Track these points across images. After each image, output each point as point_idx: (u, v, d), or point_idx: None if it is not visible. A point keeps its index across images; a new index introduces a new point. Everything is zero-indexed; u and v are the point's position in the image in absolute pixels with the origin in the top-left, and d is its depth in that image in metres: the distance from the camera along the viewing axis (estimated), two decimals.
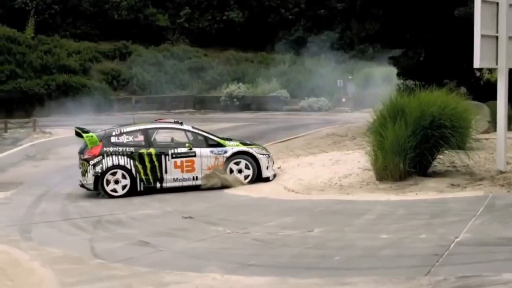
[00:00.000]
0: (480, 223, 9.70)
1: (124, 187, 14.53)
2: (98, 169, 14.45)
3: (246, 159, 15.21)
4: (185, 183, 14.91)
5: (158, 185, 14.77)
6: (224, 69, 46.41)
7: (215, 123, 30.64)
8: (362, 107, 32.89)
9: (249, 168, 15.19)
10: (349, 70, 43.69)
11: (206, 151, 15.06)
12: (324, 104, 40.90)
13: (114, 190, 14.51)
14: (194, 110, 43.21)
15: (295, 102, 41.90)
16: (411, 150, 13.58)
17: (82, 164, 14.68)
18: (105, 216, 12.47)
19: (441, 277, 7.06)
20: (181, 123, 15.59)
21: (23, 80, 40.33)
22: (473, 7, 13.61)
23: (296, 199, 13.29)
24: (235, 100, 42.39)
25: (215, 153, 15.08)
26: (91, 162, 14.48)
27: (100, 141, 14.62)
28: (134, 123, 15.43)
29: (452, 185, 13.06)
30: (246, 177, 15.17)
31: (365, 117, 15.59)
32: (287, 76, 44.56)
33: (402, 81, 25.79)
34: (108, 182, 14.47)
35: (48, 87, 40.60)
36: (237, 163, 15.19)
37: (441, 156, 14.41)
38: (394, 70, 27.58)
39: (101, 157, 14.48)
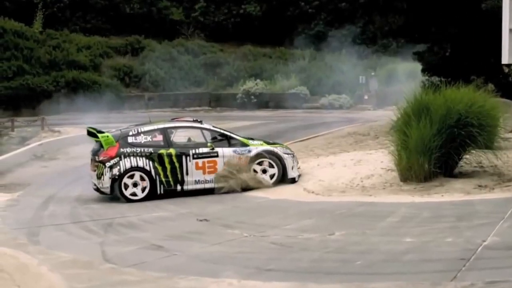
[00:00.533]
0: (509, 226, 9.65)
1: (143, 190, 13.93)
2: (115, 171, 13.83)
3: (271, 159, 14.65)
4: (207, 185, 14.31)
5: (178, 187, 14.17)
6: (241, 65, 46.14)
7: (231, 122, 30.53)
8: (385, 105, 32.62)
9: (274, 168, 14.63)
10: (371, 66, 43.39)
11: (229, 150, 14.49)
12: (345, 102, 40.60)
13: (133, 194, 13.88)
14: (210, 108, 42.98)
15: (315, 99, 41.62)
16: (437, 150, 13.44)
17: (97, 166, 14.06)
18: (116, 219, 12.38)
19: (468, 282, 7.02)
20: (201, 122, 15.09)
21: (30, 76, 40.10)
22: (501, 0, 13.34)
23: (316, 201, 13.22)
24: (252, 97, 42.13)
25: (239, 153, 14.50)
26: (108, 164, 13.87)
27: (117, 141, 14.02)
28: (150, 122, 14.92)
29: (479, 186, 12.96)
30: (271, 177, 14.61)
31: (388, 115, 15.48)
32: (306, 72, 44.27)
33: (427, 77, 25.63)
34: (126, 186, 13.87)
35: (56, 83, 40.25)
36: (261, 163, 14.63)
37: (467, 156, 14.30)
38: (418, 66, 27.38)
39: (118, 158, 13.87)
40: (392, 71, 40.11)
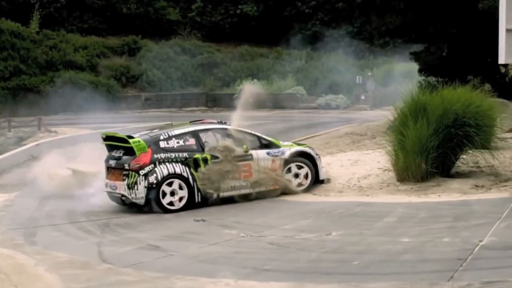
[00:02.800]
0: (506, 226, 9.65)
1: (180, 199, 12.64)
2: (152, 179, 12.41)
3: (303, 161, 13.77)
4: (243, 191, 13.18)
5: (215, 195, 13.00)
6: (237, 65, 46.07)
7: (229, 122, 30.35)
8: (382, 105, 32.64)
9: (307, 173, 13.78)
10: (368, 66, 43.37)
11: (262, 153, 13.42)
12: (342, 102, 40.58)
13: (171, 203, 12.54)
14: (207, 108, 42.89)
15: (312, 99, 41.59)
16: (433, 150, 13.42)
17: (126, 175, 12.57)
18: (113, 219, 12.33)
19: (464, 282, 7.03)
20: (225, 123, 14.07)
21: (27, 76, 39.93)
22: (497, 0, 13.32)
23: (313, 201, 13.17)
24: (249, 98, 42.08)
25: (272, 155, 13.48)
26: (142, 172, 12.44)
27: (148, 147, 12.71)
28: (172, 125, 13.77)
29: (476, 186, 12.95)
30: (302, 183, 13.75)
31: (385, 115, 15.48)
32: (303, 72, 44.25)
33: (424, 77, 25.60)
34: (164, 194, 12.51)
35: (53, 84, 40.16)
36: (295, 167, 13.72)
37: (464, 156, 14.29)
38: (415, 66, 27.34)
39: (152, 165, 12.51)
40: (389, 71, 40.10)
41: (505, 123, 16.27)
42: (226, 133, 13.58)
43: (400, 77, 35.41)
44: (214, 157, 12.92)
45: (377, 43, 39.12)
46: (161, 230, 11.05)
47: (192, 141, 13.07)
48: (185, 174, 12.68)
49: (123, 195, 12.70)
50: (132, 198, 12.57)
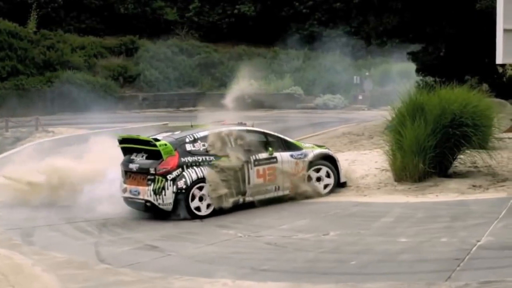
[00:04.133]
0: (503, 226, 9.65)
1: (208, 205, 12.01)
2: (181, 184, 11.75)
3: (325, 164, 13.31)
4: (268, 195, 12.66)
5: (241, 199, 12.37)
6: (235, 65, 46.10)
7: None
8: (380, 105, 32.60)
9: (329, 176, 13.30)
10: (366, 66, 43.44)
11: (286, 155, 12.89)
12: (339, 102, 40.62)
13: (198, 209, 11.90)
14: (204, 108, 42.86)
15: (310, 99, 41.63)
16: (431, 150, 13.41)
17: (152, 180, 11.84)
18: (110, 219, 12.21)
19: (462, 282, 7.04)
20: (245, 124, 13.47)
21: (24, 76, 39.99)
22: (495, 0, 13.31)
23: (311, 201, 13.08)
24: (246, 97, 42.04)
25: (295, 158, 12.96)
26: (170, 177, 11.74)
27: (175, 150, 12.04)
28: (192, 127, 13.07)
29: (473, 186, 12.95)
30: (325, 186, 13.28)
31: (382, 115, 15.43)
32: (301, 72, 44.30)
33: (421, 77, 25.62)
34: (193, 199, 11.91)
35: (50, 84, 40.13)
36: (318, 170, 13.22)
37: (462, 156, 14.29)
38: (413, 66, 27.36)
39: (180, 169, 11.84)
40: (387, 71, 40.13)
41: (503, 123, 16.28)
42: (250, 135, 13.04)
43: (397, 77, 35.42)
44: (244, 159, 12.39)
45: (375, 43, 39.15)
46: (158, 230, 11.02)
47: (218, 143, 12.43)
48: (213, 178, 12.06)
49: (148, 201, 11.87)
50: (159, 204, 11.79)
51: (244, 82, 16.38)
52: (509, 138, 17.37)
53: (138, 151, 12.35)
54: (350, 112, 37.92)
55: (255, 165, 12.50)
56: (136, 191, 12.06)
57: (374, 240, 9.43)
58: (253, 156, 12.53)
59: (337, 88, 41.04)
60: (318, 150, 13.49)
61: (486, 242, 8.67)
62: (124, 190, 12.24)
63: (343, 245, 9.30)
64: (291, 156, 12.95)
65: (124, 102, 41.52)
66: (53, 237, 11.00)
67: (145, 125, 28.24)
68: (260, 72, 41.81)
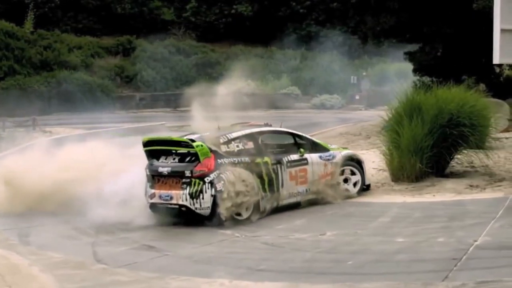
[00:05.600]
0: (500, 226, 9.66)
1: (247, 208, 11.40)
2: (219, 186, 11.08)
3: (353, 165, 12.95)
4: (299, 199, 12.18)
5: (275, 203, 11.79)
6: (232, 65, 46.07)
7: (225, 122, 30.29)
8: (377, 105, 32.68)
9: (356, 175, 12.94)
10: (363, 66, 43.48)
11: (315, 157, 12.44)
12: (337, 102, 40.63)
13: (238, 213, 11.25)
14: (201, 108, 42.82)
15: (307, 99, 41.61)
16: (428, 149, 13.41)
17: (188, 183, 11.13)
18: (107, 219, 11.94)
19: (459, 282, 7.03)
20: (271, 125, 13.03)
21: (21, 76, 39.89)
22: (492, 0, 13.31)
23: None
24: (243, 97, 42.02)
25: (324, 159, 12.53)
26: (207, 179, 11.04)
27: (211, 151, 11.40)
28: (219, 128, 12.29)
29: (470, 186, 12.96)
30: (354, 185, 12.95)
31: (380, 115, 15.42)
32: (298, 72, 44.28)
33: (418, 77, 25.59)
34: None
35: (48, 84, 40.03)
36: (344, 171, 12.86)
37: (459, 156, 14.30)
38: (410, 66, 27.35)
39: (218, 171, 11.17)
40: (384, 71, 40.16)
41: (500, 123, 16.29)
42: (280, 135, 12.76)
43: (394, 77, 35.45)
44: (277, 161, 11.88)
45: (372, 43, 39.20)
46: (155, 230, 10.98)
47: (250, 144, 11.85)
48: (250, 180, 11.44)
49: (183, 206, 11.14)
50: (196, 208, 11.06)
51: (239, 82, 15.81)
52: (506, 138, 17.43)
53: (166, 153, 11.58)
54: (347, 112, 37.92)
55: (287, 167, 12.03)
56: (168, 196, 11.25)
57: (371, 240, 9.43)
58: (286, 158, 12.07)
59: (334, 88, 41.05)
60: (345, 152, 13.18)
61: (483, 242, 8.67)
62: (152, 196, 11.37)
63: (340, 245, 9.28)
64: (320, 157, 12.52)
65: (121, 102, 41.45)
66: (49, 237, 10.95)
67: (142, 125, 28.29)
68: (257, 72, 41.85)
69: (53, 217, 11.97)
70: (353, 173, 12.90)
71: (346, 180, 12.87)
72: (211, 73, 45.08)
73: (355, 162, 13.01)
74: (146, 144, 11.76)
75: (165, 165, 11.39)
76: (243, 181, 11.25)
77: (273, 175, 11.77)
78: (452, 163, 14.33)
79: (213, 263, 8.64)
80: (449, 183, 13.19)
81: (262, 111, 39.19)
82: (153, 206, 11.44)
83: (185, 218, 11.26)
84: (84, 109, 33.51)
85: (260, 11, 47.91)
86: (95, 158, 12.82)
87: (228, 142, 11.61)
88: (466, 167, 14.43)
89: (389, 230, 10.03)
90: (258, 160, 11.65)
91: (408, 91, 15.00)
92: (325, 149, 12.76)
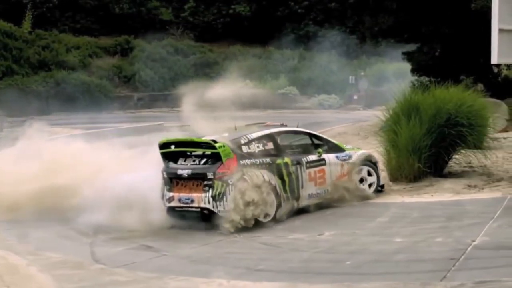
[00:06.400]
0: (498, 226, 9.66)
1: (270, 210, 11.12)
2: (243, 188, 10.80)
3: (369, 165, 12.70)
4: (317, 200, 11.93)
5: (295, 204, 11.54)
6: (230, 65, 46.05)
7: (223, 122, 30.26)
8: (375, 105, 32.59)
9: (372, 176, 12.72)
10: (361, 66, 43.41)
11: (332, 157, 12.19)
12: (335, 102, 40.58)
13: (266, 214, 10.99)
14: (203, 108, 42.78)
15: (305, 99, 41.52)
16: (426, 149, 13.38)
17: (210, 185, 10.76)
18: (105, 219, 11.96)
19: (457, 282, 7.04)
20: (286, 126, 12.90)
21: (19, 76, 39.72)
22: (490, 0, 13.31)
23: None
24: (241, 97, 41.99)
25: (340, 159, 12.29)
26: (231, 181, 10.74)
27: (233, 152, 11.06)
28: (236, 129, 12.11)
29: (468, 186, 12.94)
30: (369, 186, 12.70)
31: (378, 115, 15.39)
32: (296, 72, 44.23)
33: (416, 77, 25.59)
34: None
35: (46, 84, 39.90)
36: (360, 171, 12.59)
37: (457, 156, 14.27)
38: (408, 66, 27.34)
39: (241, 173, 10.86)
40: (382, 71, 40.12)
41: (498, 123, 16.29)
42: (299, 136, 12.63)
43: (392, 77, 35.44)
44: (296, 162, 11.60)
45: (370, 43, 39.22)
46: (153, 231, 10.76)
47: (270, 145, 11.56)
48: (273, 182, 11.13)
49: (205, 209, 10.77)
50: (219, 211, 10.66)
51: (238, 82, 15.60)
52: (504, 138, 17.43)
53: (184, 155, 11.22)
54: (345, 112, 37.87)
55: (307, 168, 11.76)
56: (188, 199, 10.89)
57: (369, 240, 9.42)
58: (305, 158, 11.83)
59: (332, 88, 40.98)
60: (361, 152, 12.92)
61: (481, 242, 8.67)
62: (170, 199, 10.97)
63: (338, 245, 9.28)
64: (337, 157, 12.27)
65: (119, 102, 41.36)
66: (48, 237, 10.87)
67: (140, 125, 28.28)
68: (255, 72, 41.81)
69: (51, 217, 11.91)
70: (369, 174, 12.70)
71: (361, 181, 12.63)
72: (209, 73, 45.05)
73: (371, 162, 12.81)
74: (162, 146, 11.35)
75: (185, 167, 11.00)
76: (265, 182, 10.95)
77: (294, 176, 11.50)
78: (450, 163, 14.31)
79: (211, 263, 8.63)
80: (447, 183, 13.17)
81: (259, 111, 39.26)
82: (171, 210, 11.05)
83: (204, 222, 10.84)
84: (82, 109, 33.43)
85: (258, 11, 47.87)
86: (82, 162, 12.52)
87: (249, 142, 11.31)
88: (464, 167, 14.41)
89: (388, 230, 10.02)
90: (279, 161, 11.38)
91: (406, 91, 14.98)
92: (341, 149, 12.53)
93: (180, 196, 10.92)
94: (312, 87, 41.50)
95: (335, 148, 12.44)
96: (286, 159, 11.49)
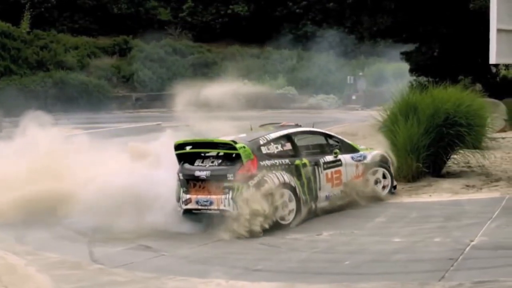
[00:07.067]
0: (497, 226, 9.67)
1: (289, 212, 10.79)
2: (264, 190, 10.52)
3: (384, 166, 12.51)
4: (334, 202, 11.74)
5: (313, 206, 11.30)
6: (228, 65, 46.06)
7: (221, 122, 30.26)
8: (373, 105, 32.60)
9: (385, 177, 12.53)
10: (359, 66, 43.43)
11: (348, 157, 11.96)
12: (333, 102, 40.60)
13: (282, 218, 10.65)
14: (197, 108, 42.75)
15: (303, 99, 41.55)
16: (424, 149, 13.39)
17: (231, 187, 10.44)
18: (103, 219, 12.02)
19: (455, 282, 7.04)
20: (300, 126, 12.47)
21: (18, 76, 39.77)
22: (488, 0, 13.32)
23: None
24: (240, 97, 41.99)
25: (355, 160, 12.08)
26: (251, 183, 10.43)
27: (252, 153, 10.74)
28: (252, 129, 11.97)
29: (467, 186, 12.94)
30: (384, 187, 12.50)
31: (376, 115, 15.38)
32: (294, 72, 44.25)
33: (415, 77, 25.61)
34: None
35: (44, 84, 39.93)
36: (374, 172, 12.40)
37: (455, 156, 14.29)
38: (406, 66, 27.35)
39: (261, 174, 10.56)
40: (380, 71, 40.14)
41: (496, 123, 16.30)
42: (316, 136, 12.34)
43: (391, 77, 35.44)
44: (314, 163, 11.39)
45: (368, 43, 39.29)
46: (151, 231, 10.61)
47: (288, 146, 11.32)
48: (293, 184, 10.87)
49: (224, 211, 10.42)
50: (239, 214, 10.31)
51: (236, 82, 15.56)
52: (503, 138, 17.45)
53: (200, 156, 10.95)
54: (343, 112, 37.88)
55: (324, 169, 11.54)
56: (207, 201, 10.56)
57: (367, 240, 9.42)
58: (322, 159, 11.59)
59: (330, 88, 41.01)
60: (376, 152, 12.62)
61: (480, 242, 8.68)
62: (187, 202, 10.66)
63: (336, 245, 9.28)
64: (352, 158, 12.05)
65: (117, 102, 41.41)
66: (46, 237, 10.85)
67: (138, 125, 28.27)
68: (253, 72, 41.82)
69: (49, 217, 11.89)
70: (384, 175, 12.49)
71: (376, 181, 12.44)
72: (207, 73, 45.04)
73: (385, 163, 12.61)
74: (178, 147, 11.05)
75: (203, 169, 10.68)
76: (286, 184, 10.73)
77: (312, 178, 11.30)
78: (449, 163, 14.32)
79: (209, 263, 8.62)
80: (446, 183, 13.17)
81: (257, 111, 39.24)
82: (187, 212, 10.73)
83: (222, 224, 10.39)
84: (81, 109, 33.43)
85: (257, 11, 47.89)
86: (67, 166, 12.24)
87: (268, 143, 11.04)
88: (463, 167, 14.43)
89: (386, 230, 10.02)
90: (297, 161, 11.14)
91: (403, 91, 14.98)
92: (356, 150, 12.31)
93: (198, 198, 10.60)
94: (310, 87, 41.52)
95: (350, 149, 12.20)
96: (305, 160, 11.26)
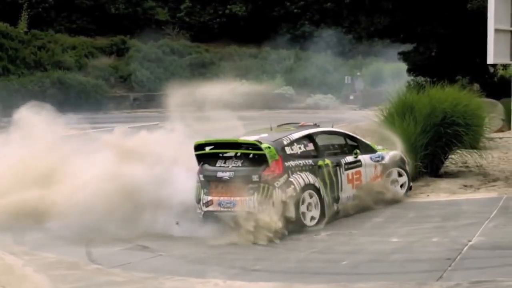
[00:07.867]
0: (494, 226, 9.69)
1: (314, 214, 10.60)
2: (290, 191, 10.24)
3: (401, 166, 12.31)
4: (353, 203, 11.54)
5: (335, 207, 11.09)
6: (226, 65, 46.10)
7: (219, 122, 30.25)
8: (371, 105, 32.63)
9: (403, 177, 12.32)
10: (357, 66, 43.44)
11: (367, 158, 11.77)
12: (331, 102, 40.55)
13: (308, 219, 10.45)
14: (195, 108, 42.76)
15: (301, 99, 41.51)
16: (422, 149, 13.38)
17: (257, 189, 10.15)
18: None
19: (453, 282, 7.05)
20: (319, 126, 12.20)
21: (15, 76, 39.62)
22: (486, 0, 13.34)
23: None
24: (237, 97, 42.01)
25: (374, 160, 11.92)
26: (277, 184, 10.17)
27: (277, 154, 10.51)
28: (271, 129, 11.60)
29: (464, 186, 12.95)
30: (401, 187, 12.36)
31: (374, 115, 15.38)
32: (292, 72, 44.25)
33: (412, 77, 25.62)
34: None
35: (42, 84, 39.85)
36: (391, 173, 12.23)
37: (453, 156, 14.30)
38: (404, 66, 27.37)
39: (286, 175, 10.34)
40: (378, 71, 40.18)
41: (494, 123, 16.31)
42: (337, 136, 12.12)
43: (389, 77, 35.49)
44: (336, 164, 11.18)
45: (366, 43, 39.31)
46: (149, 231, 10.56)
47: (311, 146, 11.09)
48: (317, 185, 10.68)
49: (249, 213, 10.07)
50: (264, 216, 10.02)
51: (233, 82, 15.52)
52: (500, 138, 17.45)
53: (221, 156, 10.69)
54: (341, 112, 37.87)
55: (345, 169, 11.34)
56: (230, 203, 10.22)
57: (365, 240, 9.43)
58: (343, 159, 11.41)
59: (328, 88, 41.00)
60: (393, 152, 12.41)
61: (477, 242, 8.69)
62: (208, 203, 10.33)
63: (334, 245, 9.29)
64: (371, 158, 11.87)
65: (115, 102, 41.36)
66: (43, 237, 10.72)
67: (137, 125, 28.18)
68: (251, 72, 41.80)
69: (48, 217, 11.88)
70: (400, 175, 12.30)
71: (393, 181, 12.28)
72: (205, 73, 45.05)
73: (402, 163, 12.40)
74: (197, 147, 10.74)
75: (226, 170, 10.38)
76: (310, 185, 10.54)
77: (334, 178, 11.09)
78: (446, 163, 14.33)
79: (207, 263, 8.62)
80: (444, 183, 13.18)
81: (255, 111, 39.17)
82: (208, 214, 10.38)
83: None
84: (78, 109, 33.31)
85: (254, 11, 47.87)
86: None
87: (291, 143, 10.78)
88: (460, 167, 14.44)
89: (384, 230, 10.02)
90: (320, 162, 10.94)
91: (400, 91, 15.02)
92: (374, 150, 12.10)
93: (220, 200, 10.28)
94: (308, 87, 41.49)
95: (368, 149, 12.00)
96: (327, 161, 11.07)
